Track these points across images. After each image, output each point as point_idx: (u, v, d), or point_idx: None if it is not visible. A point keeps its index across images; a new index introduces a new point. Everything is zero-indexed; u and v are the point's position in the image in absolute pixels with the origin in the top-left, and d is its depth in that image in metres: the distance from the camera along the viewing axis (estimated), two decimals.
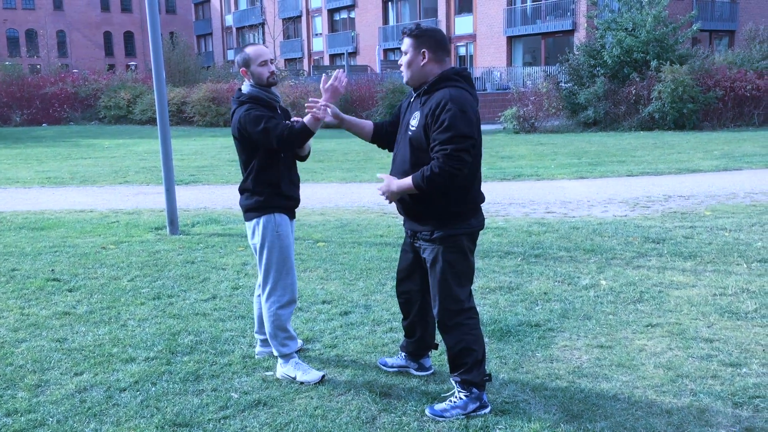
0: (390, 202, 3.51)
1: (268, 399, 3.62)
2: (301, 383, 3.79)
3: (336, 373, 3.95)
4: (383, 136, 3.75)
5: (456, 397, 3.44)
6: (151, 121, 28.39)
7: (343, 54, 44.72)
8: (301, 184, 4.05)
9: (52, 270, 6.33)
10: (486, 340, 4.33)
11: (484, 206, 3.86)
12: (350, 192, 10.88)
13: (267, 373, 3.95)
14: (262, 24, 56.37)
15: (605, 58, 21.97)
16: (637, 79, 21.38)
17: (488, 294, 5.33)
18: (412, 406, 3.51)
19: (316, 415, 3.43)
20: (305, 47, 53.61)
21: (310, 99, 3.75)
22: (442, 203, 3.35)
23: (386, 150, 3.80)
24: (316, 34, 52.85)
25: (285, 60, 54.24)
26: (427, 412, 3.43)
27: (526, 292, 5.37)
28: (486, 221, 3.84)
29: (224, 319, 4.90)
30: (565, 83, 23.81)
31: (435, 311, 3.48)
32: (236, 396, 3.66)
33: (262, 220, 3.83)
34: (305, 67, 51.47)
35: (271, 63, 3.85)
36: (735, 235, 7.16)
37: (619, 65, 21.99)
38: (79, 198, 10.82)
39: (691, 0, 33.28)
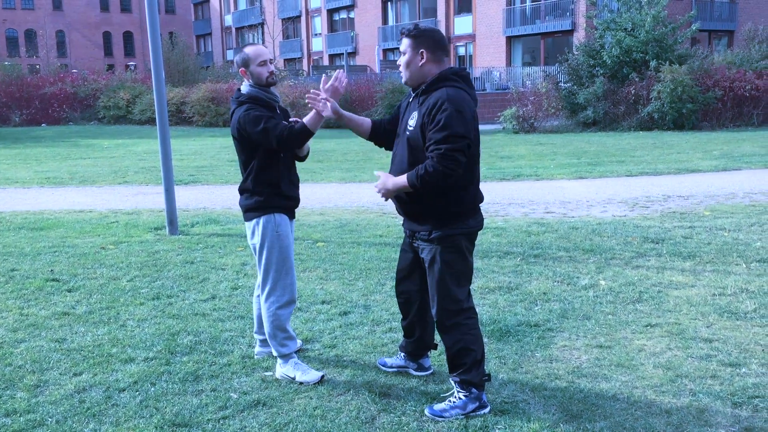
0: (386, 200, 3.52)
1: (268, 399, 3.62)
2: (301, 383, 3.79)
3: (335, 373, 3.95)
4: (381, 134, 3.75)
5: (455, 397, 3.44)
6: (151, 121, 28.38)
7: (343, 54, 44.73)
8: (300, 184, 4.05)
9: (52, 270, 6.32)
10: (485, 340, 4.33)
11: (483, 206, 3.86)
12: (349, 192, 10.88)
13: (266, 374, 3.95)
14: (262, 24, 56.38)
15: (604, 58, 21.98)
16: (637, 79, 21.39)
17: (487, 294, 5.33)
18: (411, 406, 3.51)
19: (315, 415, 3.43)
20: (304, 47, 53.61)
21: (312, 90, 3.76)
22: (440, 203, 3.35)
23: (383, 148, 3.80)
24: (316, 34, 52.85)
25: (284, 60, 54.24)
26: (426, 412, 3.43)
27: (526, 292, 5.37)
28: (485, 221, 3.85)
29: (223, 320, 4.90)
30: (564, 83, 23.82)
31: (433, 311, 3.49)
32: (235, 396, 3.66)
33: (261, 220, 3.83)
34: (304, 67, 51.47)
35: (271, 63, 3.85)
36: (734, 235, 7.16)
37: (618, 65, 22.00)
38: (79, 198, 10.82)
39: (690, 0, 33.29)
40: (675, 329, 4.51)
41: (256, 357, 4.19)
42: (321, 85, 3.79)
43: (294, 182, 3.96)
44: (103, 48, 65.25)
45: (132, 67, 46.30)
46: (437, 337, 3.90)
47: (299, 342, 4.23)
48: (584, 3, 28.81)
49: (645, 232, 7.34)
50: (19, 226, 8.49)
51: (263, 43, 51.42)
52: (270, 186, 3.83)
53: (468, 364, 3.42)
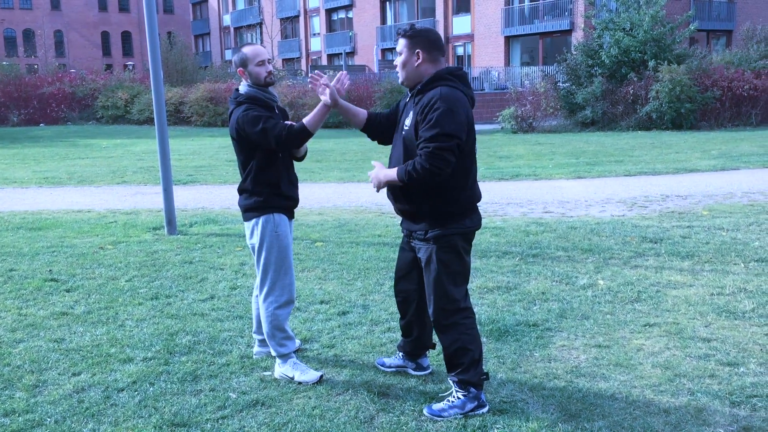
0: (377, 191, 3.52)
1: (266, 399, 3.62)
2: (299, 383, 3.79)
3: (334, 372, 3.95)
4: (375, 127, 3.73)
5: (454, 396, 3.44)
6: (149, 121, 28.38)
7: (341, 54, 44.72)
8: (299, 184, 4.05)
9: (50, 270, 6.32)
10: (484, 339, 4.33)
11: (481, 206, 3.86)
12: (348, 192, 10.88)
13: (265, 373, 3.95)
14: (260, 24, 56.38)
15: (603, 58, 21.99)
16: (635, 79, 21.40)
17: (486, 294, 5.34)
18: (410, 406, 3.51)
19: (314, 415, 3.43)
20: (303, 47, 53.59)
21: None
22: (436, 203, 3.36)
23: (376, 142, 3.79)
24: (314, 34, 52.84)
25: (283, 60, 54.22)
26: (425, 411, 3.43)
27: (524, 291, 5.37)
28: (484, 221, 3.85)
29: (222, 319, 4.89)
30: (562, 83, 23.83)
31: (430, 311, 3.49)
32: (234, 396, 3.66)
33: (261, 220, 3.83)
34: (303, 66, 51.45)
35: (269, 63, 3.85)
36: (732, 234, 7.17)
37: (616, 65, 22.02)
38: (77, 198, 10.81)
39: (689, 0, 33.32)
40: (673, 329, 4.51)
41: (254, 357, 4.19)
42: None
43: (293, 182, 3.96)
44: (101, 48, 65.19)
45: (130, 67, 46.27)
46: (435, 337, 3.90)
47: (298, 342, 4.22)
48: (583, 3, 28.83)
49: (643, 232, 7.35)
50: (17, 226, 8.48)
51: (261, 43, 51.42)
52: (269, 186, 3.83)
53: (466, 364, 3.42)
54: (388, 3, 45.04)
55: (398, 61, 3.44)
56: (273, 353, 3.95)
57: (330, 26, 50.96)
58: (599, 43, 22.69)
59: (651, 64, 21.06)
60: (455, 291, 3.43)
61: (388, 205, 8.86)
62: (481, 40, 38.03)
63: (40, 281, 5.93)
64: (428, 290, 3.48)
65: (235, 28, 61.30)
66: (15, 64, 36.38)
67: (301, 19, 53.55)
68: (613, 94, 21.82)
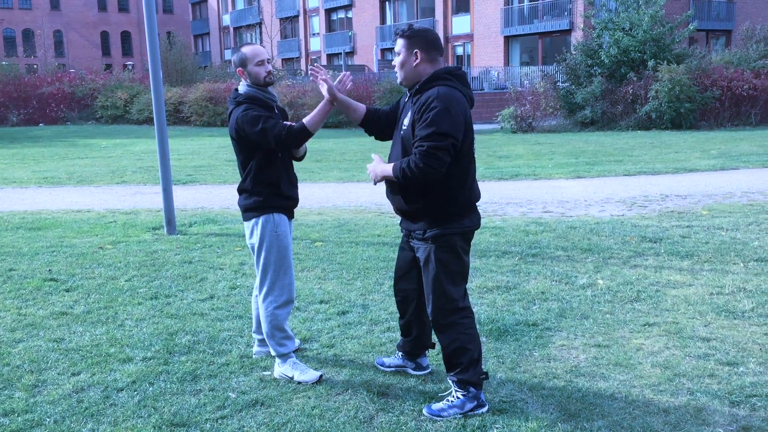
0: (375, 184, 3.53)
1: (266, 399, 3.62)
2: (299, 383, 3.79)
3: (333, 372, 3.95)
4: (374, 122, 3.73)
5: (453, 396, 3.44)
6: (148, 120, 28.36)
7: (341, 54, 44.72)
8: (298, 184, 4.05)
9: (50, 270, 6.32)
10: (483, 339, 4.33)
11: (481, 206, 3.87)
12: (348, 192, 10.88)
13: (264, 373, 3.95)
14: (260, 24, 56.36)
15: (602, 58, 21.99)
16: (634, 79, 21.41)
17: (485, 293, 5.34)
18: (409, 406, 3.51)
19: (313, 415, 3.43)
20: (302, 47, 53.58)
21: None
22: (434, 202, 3.36)
23: (373, 137, 3.79)
24: (314, 34, 52.83)
25: (282, 60, 54.21)
26: (424, 411, 3.43)
27: (524, 291, 5.37)
28: (483, 221, 3.86)
29: (222, 319, 4.89)
30: (562, 83, 23.84)
31: (429, 310, 3.49)
32: (234, 396, 3.66)
33: (260, 220, 3.83)
34: (302, 66, 51.45)
35: (268, 63, 3.85)
36: (732, 234, 7.17)
37: (616, 65, 22.02)
38: (76, 198, 10.81)
39: (688, 0, 33.33)
40: (673, 328, 4.52)
41: (254, 356, 4.19)
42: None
43: (293, 182, 3.96)
44: (100, 48, 65.18)
45: (130, 67, 46.28)
46: (435, 337, 3.90)
47: (297, 341, 4.22)
48: (582, 3, 28.82)
49: (643, 232, 7.35)
50: (16, 226, 8.48)
51: (261, 42, 51.41)
52: (269, 186, 3.83)
53: (465, 364, 3.42)
54: (387, 3, 45.04)
55: (396, 61, 3.45)
56: (272, 353, 3.95)
57: (329, 26, 50.95)
58: (599, 43, 22.70)
59: (650, 63, 21.07)
60: (454, 291, 3.43)
61: (387, 205, 8.86)
62: (481, 39, 38.03)
63: (39, 281, 5.93)
64: (427, 290, 3.48)
65: (235, 28, 61.29)
66: (14, 64, 36.38)
67: (301, 18, 53.55)
68: (613, 94, 21.82)
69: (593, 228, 7.59)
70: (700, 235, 7.13)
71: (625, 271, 5.88)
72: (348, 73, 3.85)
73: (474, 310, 4.72)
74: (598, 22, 22.85)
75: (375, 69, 38.28)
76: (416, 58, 3.37)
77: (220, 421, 3.39)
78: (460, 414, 3.38)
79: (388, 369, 3.94)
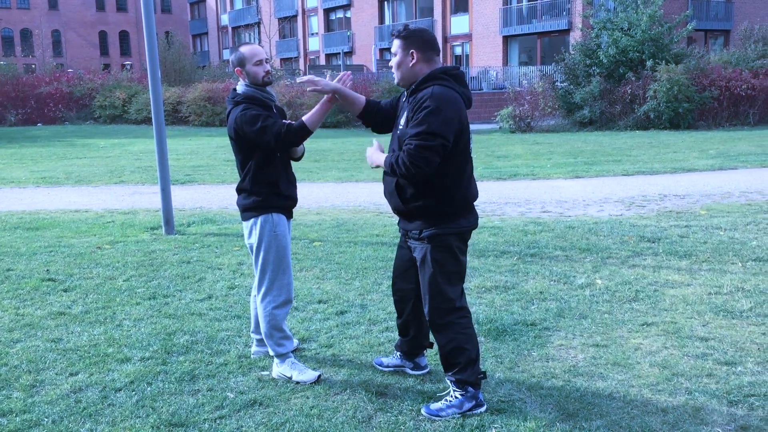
0: (372, 168, 3.56)
1: (264, 399, 3.62)
2: (297, 383, 3.79)
3: (332, 372, 3.95)
4: (372, 115, 3.73)
5: (451, 396, 3.44)
6: (147, 120, 28.33)
7: (339, 53, 44.72)
8: (297, 184, 4.05)
9: (48, 270, 6.31)
10: (482, 339, 4.33)
11: (479, 206, 3.87)
12: (346, 191, 10.88)
13: (263, 373, 3.95)
14: (258, 23, 56.33)
15: (601, 58, 22.01)
16: (633, 79, 21.42)
17: (484, 293, 5.34)
18: (408, 406, 3.51)
19: (312, 415, 3.43)
20: (301, 47, 53.57)
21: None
22: (431, 202, 3.36)
23: (370, 129, 3.80)
24: (312, 34, 52.81)
25: (281, 59, 54.20)
26: (423, 411, 3.43)
27: (522, 291, 5.37)
28: (482, 220, 3.85)
29: (220, 319, 4.89)
30: (560, 83, 23.85)
31: (426, 310, 3.49)
32: (232, 396, 3.66)
33: (259, 219, 3.82)
34: (301, 66, 51.44)
35: (266, 62, 3.84)
36: (730, 234, 7.18)
37: (614, 65, 22.04)
38: (75, 198, 10.80)
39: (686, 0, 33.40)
40: (671, 328, 4.52)
41: (252, 356, 4.19)
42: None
43: (291, 182, 3.96)
44: (99, 47, 65.13)
45: (128, 67, 46.25)
46: (432, 337, 3.90)
47: (296, 341, 4.22)
48: (580, 2, 28.82)
49: (641, 231, 7.36)
50: (14, 226, 8.47)
51: (260, 42, 51.40)
52: (268, 185, 3.82)
53: (462, 363, 3.42)
54: (386, 3, 45.03)
55: (393, 61, 3.45)
56: (271, 353, 3.94)
57: (328, 26, 50.94)
58: (597, 43, 22.72)
59: (649, 63, 21.08)
60: (450, 290, 3.43)
61: (386, 205, 8.86)
62: (479, 39, 38.04)
63: (37, 281, 5.92)
64: (423, 289, 3.48)
65: (233, 28, 61.26)
66: (12, 63, 36.40)
67: (299, 18, 53.53)
68: (611, 94, 21.84)
69: (592, 228, 7.59)
70: (699, 235, 7.13)
71: (623, 270, 5.89)
72: (348, 72, 3.85)
73: (472, 309, 4.74)
74: (597, 22, 22.87)
75: (374, 69, 38.26)
76: (413, 59, 3.37)
77: (218, 421, 3.39)
78: (459, 414, 3.38)
79: (386, 369, 3.94)
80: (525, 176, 12.03)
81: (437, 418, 3.37)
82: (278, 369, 3.89)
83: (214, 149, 18.31)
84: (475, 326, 4.30)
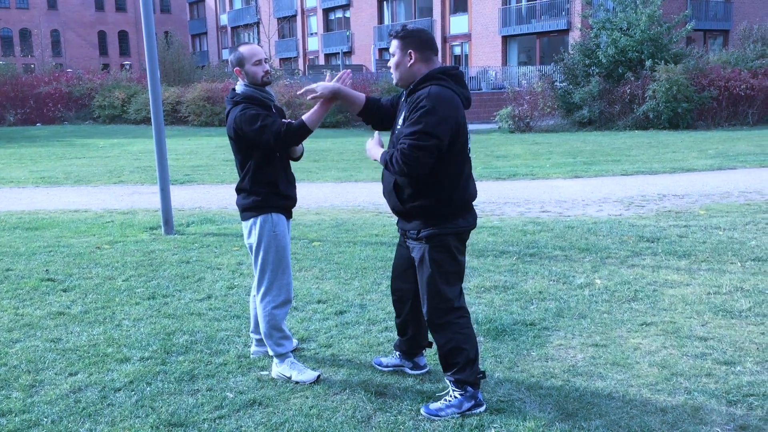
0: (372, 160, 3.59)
1: (264, 398, 3.62)
2: (297, 383, 3.79)
3: (331, 372, 3.95)
4: (373, 113, 3.73)
5: (451, 396, 3.44)
6: (146, 120, 28.32)
7: (338, 53, 44.72)
8: (296, 184, 4.05)
9: (47, 270, 6.31)
10: (481, 339, 4.34)
11: (478, 205, 3.87)
12: (345, 191, 10.88)
13: (262, 373, 3.95)
14: (257, 23, 56.33)
15: (600, 58, 22.02)
16: (632, 79, 21.43)
17: (483, 293, 5.34)
18: (407, 405, 3.51)
19: (311, 415, 3.43)
20: (300, 46, 53.56)
21: (300, 92, 3.76)
22: (429, 203, 3.36)
23: (370, 126, 3.80)
24: (311, 34, 52.81)
25: (280, 59, 54.18)
26: (422, 411, 3.43)
27: (521, 291, 5.37)
28: (481, 220, 3.86)
29: (219, 319, 4.89)
30: (560, 83, 23.86)
31: (424, 310, 3.49)
32: (231, 396, 3.66)
33: (259, 219, 3.82)
34: (300, 66, 51.44)
35: (265, 62, 3.85)
36: (729, 233, 7.18)
37: (613, 65, 22.04)
38: (74, 198, 10.79)
39: None
40: (670, 328, 4.52)
41: (252, 356, 4.19)
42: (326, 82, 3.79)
43: (291, 181, 3.96)
44: (98, 47, 65.12)
45: (127, 67, 46.21)
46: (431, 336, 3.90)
47: (295, 341, 4.22)
48: (580, 2, 28.84)
49: (640, 231, 7.36)
50: (13, 226, 8.46)
51: (259, 42, 51.37)
52: (268, 185, 3.82)
53: (461, 363, 3.42)
54: (385, 2, 45.04)
55: (392, 62, 3.45)
56: (270, 353, 3.94)
57: (327, 26, 50.93)
58: (596, 43, 22.72)
59: (648, 63, 21.09)
60: (449, 290, 3.43)
61: (385, 205, 8.85)
62: (479, 39, 38.04)
63: (36, 281, 5.92)
64: (422, 289, 3.48)
65: (232, 28, 61.25)
66: (11, 63, 36.38)
67: (299, 18, 53.52)
68: (610, 94, 21.84)
69: (591, 228, 7.59)
70: (698, 235, 7.14)
71: (622, 270, 5.89)
72: (348, 71, 3.85)
73: (472, 309, 4.74)
74: (596, 22, 22.87)
75: (373, 69, 38.27)
76: (411, 59, 3.37)
77: (217, 421, 3.39)
78: (458, 413, 3.38)
79: (385, 369, 3.94)
80: (524, 176, 12.03)
81: (436, 418, 3.37)
82: (277, 369, 3.89)
83: (214, 149, 18.31)
84: (475, 326, 4.31)
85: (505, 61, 36.56)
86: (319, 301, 5.22)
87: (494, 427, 3.28)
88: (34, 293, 5.60)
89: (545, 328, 4.56)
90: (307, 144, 4.09)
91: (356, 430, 3.29)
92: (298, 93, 3.73)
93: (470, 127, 3.52)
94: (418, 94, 3.29)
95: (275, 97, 3.96)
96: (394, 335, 4.32)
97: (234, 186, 3.99)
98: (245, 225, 3.91)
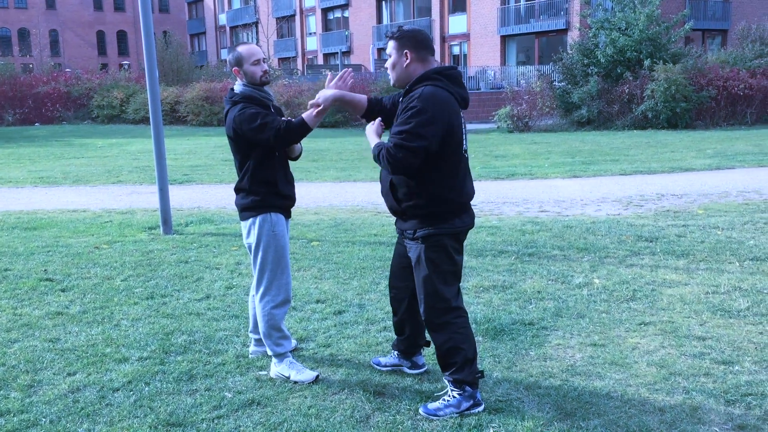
0: None
1: (262, 398, 3.62)
2: (295, 382, 3.79)
3: (330, 372, 3.95)
4: (376, 113, 3.72)
5: (449, 395, 3.44)
6: (145, 120, 28.33)
7: (337, 53, 44.71)
8: (295, 184, 4.05)
9: (45, 270, 6.31)
10: (480, 338, 4.34)
11: (477, 205, 3.87)
12: (344, 191, 10.87)
13: (261, 373, 3.95)
14: (256, 23, 56.29)
15: (598, 57, 22.03)
16: (631, 78, 21.44)
17: (482, 293, 5.34)
18: (405, 405, 3.51)
19: (309, 414, 3.43)
20: (299, 46, 53.53)
21: (309, 102, 3.77)
22: (424, 203, 3.36)
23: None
24: (310, 33, 52.79)
25: (279, 59, 54.15)
26: (420, 411, 3.43)
27: (520, 290, 5.38)
28: (480, 220, 3.85)
29: (218, 319, 4.89)
30: (558, 82, 23.86)
31: (421, 310, 3.49)
32: (230, 395, 3.66)
33: (258, 219, 3.82)
34: (299, 66, 51.41)
35: (264, 62, 3.84)
36: (727, 233, 7.19)
37: (612, 64, 22.06)
38: (72, 198, 10.79)
39: None
40: (668, 327, 4.52)
41: (250, 356, 4.19)
42: (326, 83, 3.79)
43: (290, 181, 3.96)
44: (96, 47, 65.09)
45: (126, 66, 46.18)
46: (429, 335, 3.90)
47: (294, 341, 4.23)
48: (578, 2, 28.85)
49: (639, 231, 7.36)
50: (12, 226, 8.46)
51: (257, 42, 51.35)
52: (267, 185, 3.82)
53: (459, 363, 3.42)
54: (384, 2, 45.03)
55: (388, 63, 3.45)
56: (269, 352, 3.94)
57: (326, 25, 50.91)
58: (595, 43, 22.73)
59: (646, 63, 21.11)
60: (446, 290, 3.42)
61: (383, 205, 8.86)
62: (477, 39, 38.05)
63: (35, 281, 5.92)
64: (419, 289, 3.48)
65: (231, 27, 61.21)
66: (10, 63, 36.34)
67: (297, 18, 53.49)
68: (609, 94, 21.85)
69: (589, 227, 7.60)
70: (696, 235, 7.14)
71: (621, 270, 5.90)
72: (350, 70, 3.84)
73: (470, 309, 4.74)
74: (595, 22, 22.88)
75: (372, 68, 38.26)
76: (407, 59, 3.37)
77: (216, 421, 3.39)
78: (457, 413, 3.38)
79: (384, 368, 3.94)
80: (523, 176, 12.04)
81: (435, 418, 3.37)
82: (276, 369, 3.89)
83: (212, 149, 18.30)
84: (473, 326, 4.31)
85: (503, 61, 36.57)
86: (317, 301, 5.22)
87: (493, 427, 3.28)
88: (32, 293, 5.59)
89: (544, 328, 4.56)
90: (306, 144, 4.09)
91: (355, 429, 3.29)
92: (309, 107, 3.74)
93: (469, 126, 3.53)
94: (411, 95, 3.30)
95: (274, 97, 3.96)
96: (393, 335, 4.32)
97: (233, 186, 3.99)
98: (244, 225, 3.91)
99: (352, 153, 16.57)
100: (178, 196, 10.31)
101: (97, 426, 3.36)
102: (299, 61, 53.00)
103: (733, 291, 5.25)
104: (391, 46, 3.42)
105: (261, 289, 3.87)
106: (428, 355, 4.04)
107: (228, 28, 61.56)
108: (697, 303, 4.99)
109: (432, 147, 3.23)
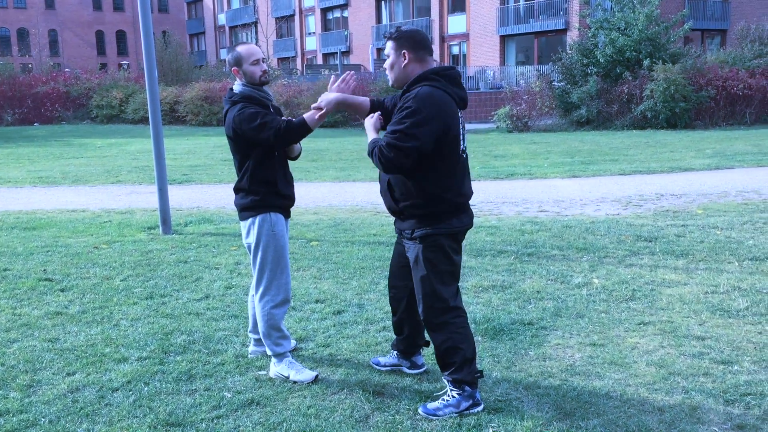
0: None
1: (261, 398, 3.62)
2: (295, 382, 3.79)
3: (329, 372, 3.95)
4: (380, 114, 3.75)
5: (448, 395, 3.44)
6: (144, 120, 28.31)
7: (337, 53, 44.71)
8: (294, 184, 4.05)
9: (44, 270, 6.30)
10: (479, 338, 4.34)
11: (476, 205, 3.87)
12: (343, 191, 10.87)
13: (260, 373, 3.95)
14: (255, 23, 56.28)
15: (598, 57, 22.03)
16: (630, 78, 21.44)
17: (481, 293, 5.34)
18: (405, 405, 3.51)
19: (309, 414, 3.43)
20: (298, 46, 53.53)
21: (312, 105, 3.77)
22: (421, 203, 3.36)
23: None
24: (309, 33, 52.78)
25: (278, 59, 54.14)
26: (420, 410, 3.43)
27: (519, 290, 5.38)
28: (479, 220, 3.85)
29: (217, 319, 4.89)
30: (557, 82, 23.86)
31: (420, 309, 3.49)
32: (229, 395, 3.66)
33: (257, 219, 3.82)
34: (298, 66, 51.40)
35: (263, 62, 3.85)
36: (727, 233, 7.19)
37: (611, 64, 22.06)
38: (71, 197, 10.78)
39: None
40: (668, 327, 4.53)
41: (250, 356, 4.19)
42: (329, 85, 3.79)
43: (289, 181, 3.96)
44: (95, 47, 65.08)
45: (125, 66, 46.13)
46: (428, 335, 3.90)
47: (293, 341, 4.23)
48: (578, 2, 28.86)
49: (638, 231, 7.37)
50: (11, 226, 8.45)
51: (257, 42, 51.33)
52: (266, 185, 3.82)
53: (458, 363, 3.42)
54: (383, 2, 45.03)
55: (387, 63, 3.46)
56: (268, 352, 3.94)
57: (325, 25, 50.91)
58: (594, 43, 22.74)
59: (646, 63, 21.11)
60: (444, 290, 3.42)
61: (383, 204, 8.86)
62: (477, 39, 38.05)
63: (34, 281, 5.91)
64: (417, 289, 3.48)
65: (230, 27, 61.20)
66: (9, 63, 36.28)
67: (297, 18, 53.48)
68: (608, 94, 21.86)
69: (589, 227, 7.60)
70: (695, 234, 7.15)
71: (620, 270, 5.90)
72: (352, 72, 3.85)
73: (469, 309, 4.75)
74: (594, 22, 22.88)
75: (371, 68, 38.25)
76: (405, 59, 3.37)
77: (215, 421, 3.39)
78: (456, 413, 3.38)
79: (383, 368, 3.95)
80: (522, 176, 12.04)
81: (434, 418, 3.37)
82: (275, 368, 3.89)
83: (212, 149, 18.30)
84: (473, 326, 4.31)
85: (503, 61, 36.57)
86: (317, 301, 5.22)
87: (492, 427, 3.28)
88: (31, 293, 5.59)
89: (543, 328, 4.56)
90: (305, 143, 4.09)
91: (354, 429, 3.29)
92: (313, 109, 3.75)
93: (468, 126, 3.54)
94: (407, 95, 3.30)
95: (273, 97, 3.96)
96: (392, 335, 4.32)
97: (232, 186, 3.99)
98: (244, 224, 3.91)
99: (351, 153, 16.57)
100: (178, 196, 10.31)
101: (97, 426, 3.36)
102: (298, 61, 53.00)
103: (732, 291, 5.25)
104: (389, 46, 3.42)
105: (260, 289, 3.87)
106: (427, 355, 4.04)
107: (227, 28, 61.55)
108: (696, 303, 5.00)
109: (425, 148, 3.22)
